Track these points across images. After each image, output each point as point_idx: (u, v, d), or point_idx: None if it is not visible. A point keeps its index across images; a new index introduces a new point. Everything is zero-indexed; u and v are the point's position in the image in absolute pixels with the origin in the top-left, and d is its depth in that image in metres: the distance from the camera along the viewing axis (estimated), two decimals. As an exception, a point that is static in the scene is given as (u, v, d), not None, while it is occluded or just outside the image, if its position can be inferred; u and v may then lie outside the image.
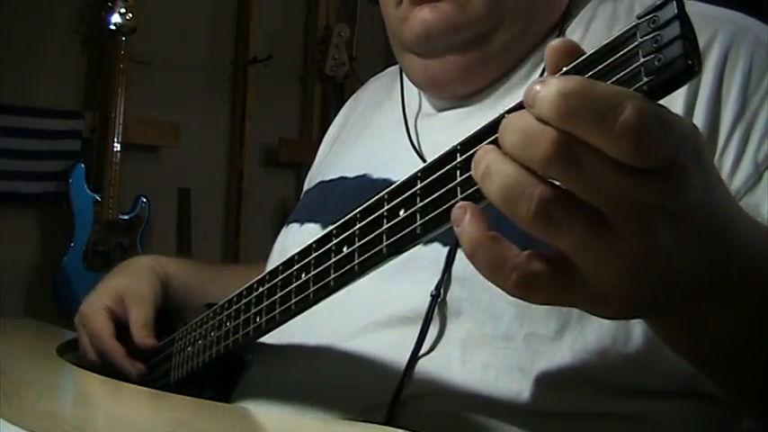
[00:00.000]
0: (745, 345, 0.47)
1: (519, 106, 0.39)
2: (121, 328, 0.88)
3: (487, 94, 0.74)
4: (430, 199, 0.45)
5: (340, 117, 0.99)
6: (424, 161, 0.73)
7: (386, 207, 0.50)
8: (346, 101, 1.02)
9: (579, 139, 0.36)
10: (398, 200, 0.49)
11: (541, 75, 0.71)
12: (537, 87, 0.37)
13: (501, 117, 0.40)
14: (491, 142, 0.41)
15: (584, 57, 0.39)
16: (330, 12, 2.90)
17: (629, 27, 0.37)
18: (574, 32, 0.73)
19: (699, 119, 0.62)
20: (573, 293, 0.41)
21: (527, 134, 0.37)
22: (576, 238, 0.38)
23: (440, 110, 0.78)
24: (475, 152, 0.41)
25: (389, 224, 0.49)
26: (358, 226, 0.53)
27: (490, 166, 0.39)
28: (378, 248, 0.50)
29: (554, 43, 0.40)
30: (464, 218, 0.41)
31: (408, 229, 0.47)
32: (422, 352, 0.63)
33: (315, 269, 0.58)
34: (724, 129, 0.62)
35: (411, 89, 0.83)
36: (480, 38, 0.72)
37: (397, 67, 0.86)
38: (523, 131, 0.37)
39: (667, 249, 0.39)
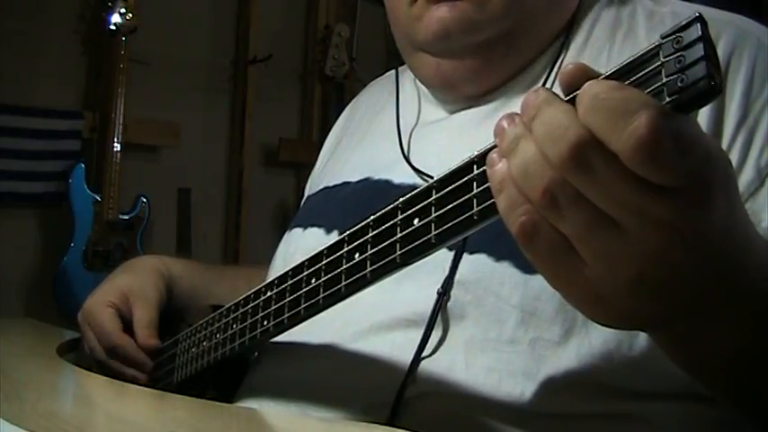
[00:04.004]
0: (744, 358, 0.47)
1: None
2: (125, 328, 0.88)
3: (497, 96, 0.74)
4: (445, 210, 0.46)
5: (340, 121, 1.00)
6: (415, 168, 0.73)
7: (400, 216, 0.50)
8: (346, 101, 1.02)
9: (597, 143, 0.36)
10: (413, 209, 0.49)
11: (548, 77, 0.71)
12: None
13: None
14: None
15: (607, 73, 0.39)
16: (330, 12, 2.90)
17: (652, 46, 0.37)
18: (578, 36, 0.73)
19: (701, 123, 0.62)
20: (569, 276, 0.41)
21: (550, 129, 0.38)
22: (577, 227, 0.39)
23: (447, 111, 0.78)
24: None
25: (403, 233, 0.49)
26: (371, 234, 0.53)
27: (519, 140, 0.40)
28: (391, 257, 0.50)
29: (568, 67, 0.40)
30: (500, 161, 0.42)
31: (423, 240, 0.47)
32: (425, 354, 0.63)
33: (325, 275, 0.58)
34: (726, 133, 0.62)
35: (408, 95, 0.83)
36: (500, 38, 0.71)
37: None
38: (547, 125, 0.38)
39: (676, 268, 0.39)
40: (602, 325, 0.45)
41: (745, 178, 0.61)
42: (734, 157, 0.61)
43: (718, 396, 0.54)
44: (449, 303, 0.64)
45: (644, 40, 0.69)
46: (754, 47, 0.65)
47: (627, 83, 0.37)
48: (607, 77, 0.38)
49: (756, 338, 0.46)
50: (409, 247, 0.49)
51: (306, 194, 0.95)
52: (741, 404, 0.52)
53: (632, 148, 0.35)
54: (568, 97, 0.39)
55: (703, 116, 0.62)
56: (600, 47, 0.71)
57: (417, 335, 0.63)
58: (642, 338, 0.59)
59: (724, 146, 0.62)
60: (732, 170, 0.41)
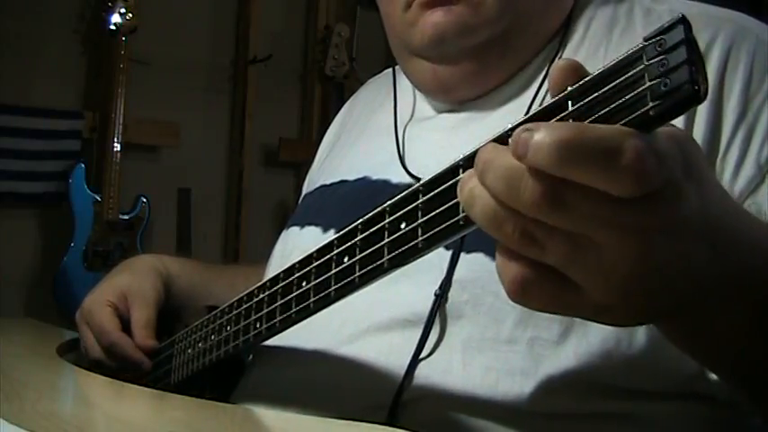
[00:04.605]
0: (751, 340, 0.47)
1: (505, 136, 0.39)
2: (123, 327, 0.88)
3: (490, 98, 0.74)
4: (432, 214, 0.45)
5: (338, 119, 0.99)
6: (408, 171, 0.73)
7: (387, 220, 0.49)
8: (346, 101, 1.02)
9: (571, 184, 0.36)
10: (400, 213, 0.48)
11: (543, 81, 0.71)
12: (525, 135, 0.36)
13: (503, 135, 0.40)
14: None
15: (588, 78, 0.38)
16: (330, 12, 2.90)
17: (635, 49, 0.37)
18: (575, 33, 0.73)
19: (700, 120, 0.62)
20: (571, 304, 0.41)
21: (512, 181, 0.37)
22: (561, 254, 0.38)
23: (437, 111, 0.78)
24: None
25: (391, 238, 0.49)
26: (359, 237, 0.52)
27: (473, 191, 0.39)
28: (379, 262, 0.50)
29: (560, 63, 0.39)
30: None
31: (410, 244, 0.47)
32: (423, 355, 0.63)
33: (315, 279, 0.58)
34: (726, 130, 0.62)
35: (405, 92, 0.83)
36: (495, 40, 0.71)
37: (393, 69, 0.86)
38: (507, 178, 0.37)
39: (666, 264, 0.39)
40: (609, 326, 0.45)
41: (745, 174, 0.61)
42: (733, 153, 0.61)
43: (728, 383, 0.54)
44: (446, 303, 0.64)
45: (641, 38, 0.69)
46: (752, 43, 0.65)
47: (611, 86, 0.37)
48: (592, 79, 0.38)
49: (761, 318, 0.45)
50: (397, 251, 0.48)
51: (303, 192, 0.95)
52: (752, 391, 0.52)
53: (628, 183, 0.35)
54: (507, 129, 0.39)
55: (702, 113, 0.62)
56: (597, 44, 0.71)
57: (415, 335, 0.63)
58: (641, 337, 0.59)
59: (723, 143, 0.62)
60: (692, 151, 0.40)
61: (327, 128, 1.01)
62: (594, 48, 0.71)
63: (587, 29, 0.73)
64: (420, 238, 0.46)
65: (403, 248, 0.48)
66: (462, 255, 0.64)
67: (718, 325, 0.45)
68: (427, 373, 0.62)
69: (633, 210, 0.37)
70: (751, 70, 0.64)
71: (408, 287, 0.65)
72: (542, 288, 0.40)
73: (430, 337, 0.63)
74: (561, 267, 0.39)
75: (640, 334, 0.59)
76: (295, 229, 0.83)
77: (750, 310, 0.45)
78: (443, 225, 0.44)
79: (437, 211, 0.45)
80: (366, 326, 0.67)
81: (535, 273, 0.40)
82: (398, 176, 0.74)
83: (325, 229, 0.76)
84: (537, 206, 0.36)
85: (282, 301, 0.62)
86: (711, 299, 0.43)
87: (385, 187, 0.74)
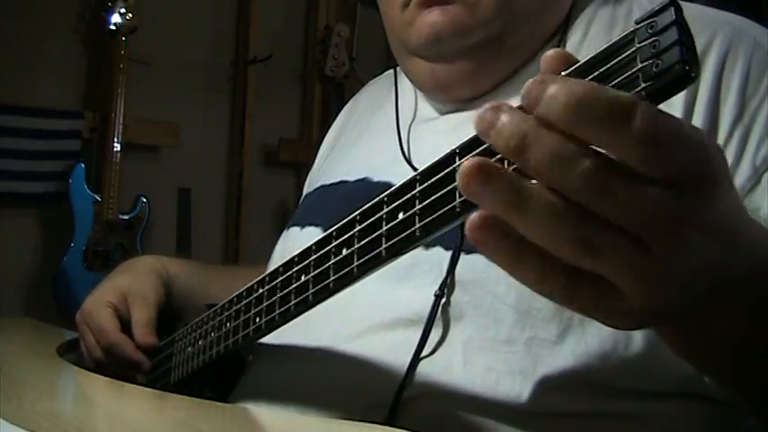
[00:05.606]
0: (748, 343, 0.47)
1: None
2: (123, 328, 0.89)
3: (492, 97, 0.74)
4: (428, 201, 0.45)
5: (339, 120, 1.00)
6: (414, 168, 0.73)
7: (385, 209, 0.50)
8: (346, 101, 1.02)
9: (605, 161, 0.35)
10: (397, 202, 0.49)
11: None
12: (539, 87, 0.36)
13: None
14: (487, 148, 0.41)
15: (581, 62, 0.38)
16: (330, 12, 2.91)
17: (627, 32, 0.37)
18: (573, 34, 0.73)
19: (697, 122, 0.62)
20: (608, 306, 0.40)
21: (561, 161, 0.36)
22: (618, 263, 0.38)
23: (440, 112, 0.78)
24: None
25: (388, 226, 0.49)
26: (357, 228, 0.53)
27: (531, 192, 0.37)
28: (377, 251, 0.50)
29: (549, 53, 0.40)
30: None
31: (407, 232, 0.47)
32: (423, 354, 0.63)
33: (314, 271, 0.58)
34: (722, 131, 0.62)
35: (406, 93, 0.83)
36: (491, 40, 0.71)
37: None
38: (556, 157, 0.36)
39: (699, 263, 0.39)
40: (625, 330, 0.44)
41: (741, 176, 0.61)
42: (730, 154, 0.61)
43: (724, 388, 0.54)
44: (449, 305, 0.64)
45: None
46: (750, 45, 0.65)
47: (604, 69, 0.37)
48: (585, 63, 0.38)
49: (758, 325, 0.46)
50: (394, 240, 0.48)
51: (304, 193, 0.95)
52: (747, 397, 0.52)
53: (637, 147, 0.35)
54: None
55: (699, 114, 0.62)
56: (596, 46, 0.71)
57: (416, 334, 0.63)
58: (638, 338, 0.59)
59: (719, 143, 0.62)
60: (720, 153, 0.40)
61: (327, 128, 1.01)
62: (594, 50, 0.71)
63: (587, 31, 0.73)
64: (417, 226, 0.46)
65: (400, 237, 0.48)
66: (462, 255, 0.64)
67: (716, 327, 0.45)
68: (428, 371, 0.62)
69: (674, 201, 0.36)
70: (748, 72, 0.64)
71: (409, 289, 0.65)
72: (588, 292, 0.39)
73: (432, 337, 0.63)
74: (614, 276, 0.38)
75: (638, 335, 0.59)
76: (295, 229, 0.83)
77: (748, 313, 0.45)
78: (440, 212, 0.44)
79: (434, 197, 0.45)
80: (367, 325, 0.67)
81: (585, 277, 0.39)
82: (399, 178, 0.74)
83: (325, 230, 0.76)
84: (581, 191, 0.36)
85: (281, 294, 0.62)
86: (712, 300, 0.43)
87: (386, 189, 0.74)
